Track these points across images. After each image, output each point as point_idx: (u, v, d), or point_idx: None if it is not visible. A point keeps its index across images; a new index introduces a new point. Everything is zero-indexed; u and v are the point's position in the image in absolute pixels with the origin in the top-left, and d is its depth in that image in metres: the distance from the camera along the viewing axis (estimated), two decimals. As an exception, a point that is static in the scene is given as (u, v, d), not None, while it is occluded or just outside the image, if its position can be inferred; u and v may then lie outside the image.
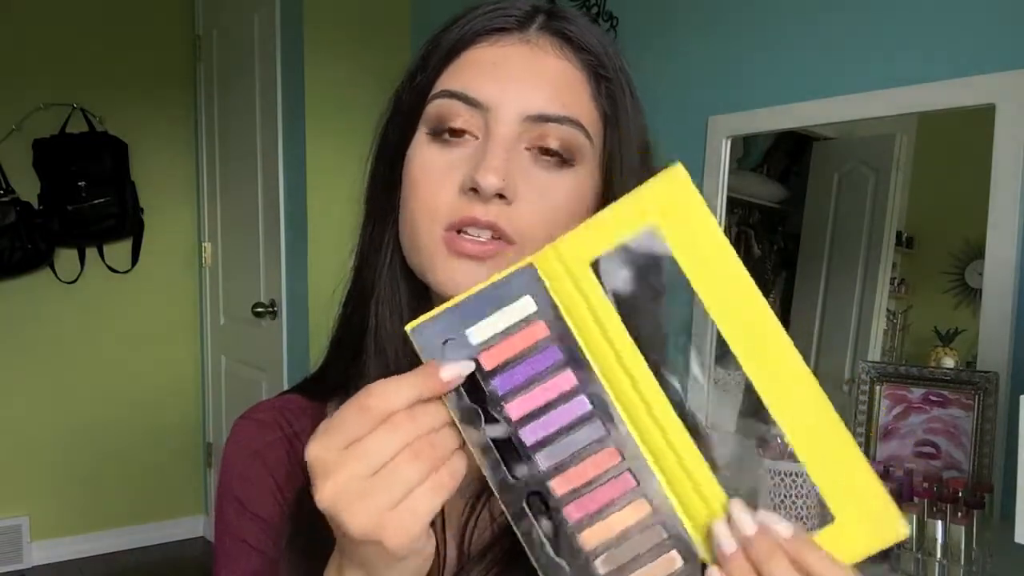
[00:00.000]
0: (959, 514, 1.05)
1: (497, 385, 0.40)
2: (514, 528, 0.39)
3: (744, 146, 1.75)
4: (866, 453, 1.33)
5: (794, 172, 1.72)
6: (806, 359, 0.38)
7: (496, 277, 0.41)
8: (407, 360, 0.54)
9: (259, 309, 2.69)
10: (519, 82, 0.51)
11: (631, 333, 0.39)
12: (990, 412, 1.20)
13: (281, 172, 2.59)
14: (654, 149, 0.58)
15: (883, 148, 1.52)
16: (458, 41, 0.53)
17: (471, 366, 0.40)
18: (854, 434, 1.36)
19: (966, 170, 1.39)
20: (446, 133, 0.52)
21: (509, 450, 0.40)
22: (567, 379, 0.40)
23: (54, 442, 3.03)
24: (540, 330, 0.40)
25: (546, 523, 0.39)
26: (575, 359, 0.40)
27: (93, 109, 2.97)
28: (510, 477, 0.39)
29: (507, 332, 0.40)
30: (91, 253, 3.05)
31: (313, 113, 2.47)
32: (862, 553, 0.37)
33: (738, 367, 0.38)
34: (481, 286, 0.41)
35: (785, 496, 1.21)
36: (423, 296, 0.56)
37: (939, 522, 1.05)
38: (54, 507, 3.03)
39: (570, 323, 0.40)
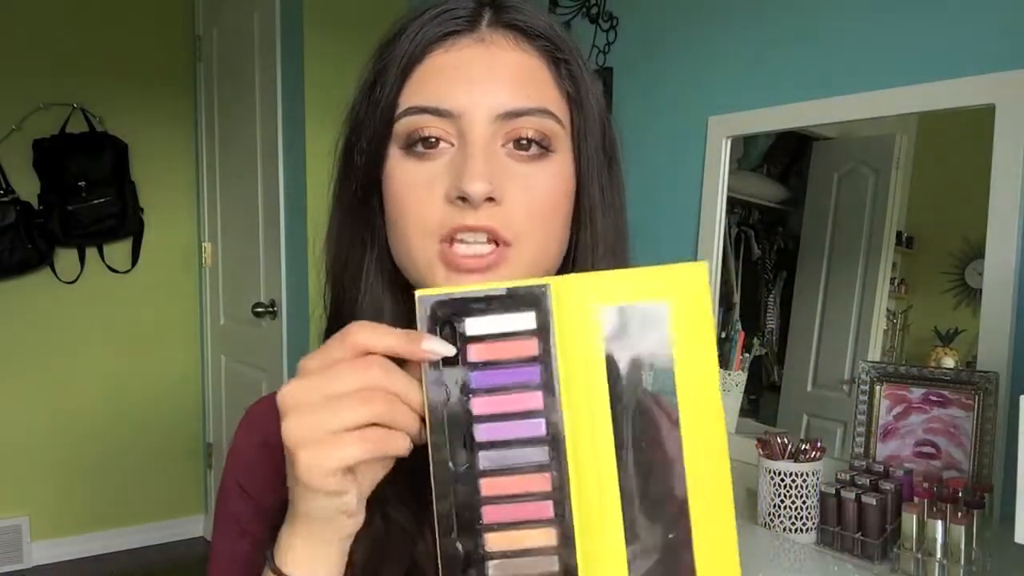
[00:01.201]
0: (959, 514, 1.05)
1: (473, 378, 0.43)
2: (434, 505, 0.42)
3: (744, 146, 1.75)
4: (866, 453, 1.33)
5: (794, 172, 1.72)
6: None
7: (514, 284, 0.43)
8: None
9: (259, 309, 2.69)
10: (482, 83, 0.51)
11: (610, 386, 0.42)
12: (990, 412, 1.20)
13: (281, 172, 2.59)
14: (613, 114, 0.59)
15: (883, 148, 1.52)
16: (412, 53, 0.53)
17: (451, 351, 0.42)
18: (854, 434, 1.36)
19: (966, 170, 1.39)
20: (419, 144, 0.52)
21: (458, 439, 0.42)
22: (535, 399, 0.43)
23: (54, 442, 3.03)
24: (531, 347, 0.42)
25: (462, 513, 0.42)
26: (549, 386, 0.42)
27: (93, 109, 2.98)
28: (450, 461, 0.42)
29: (501, 336, 0.42)
30: (91, 253, 3.05)
31: (313, 113, 2.46)
32: None
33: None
34: (497, 285, 0.43)
35: (785, 496, 1.21)
36: (407, 316, 0.57)
37: (939, 522, 1.05)
38: (54, 507, 3.03)
39: (559, 353, 0.42)
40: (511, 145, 0.52)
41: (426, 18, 0.53)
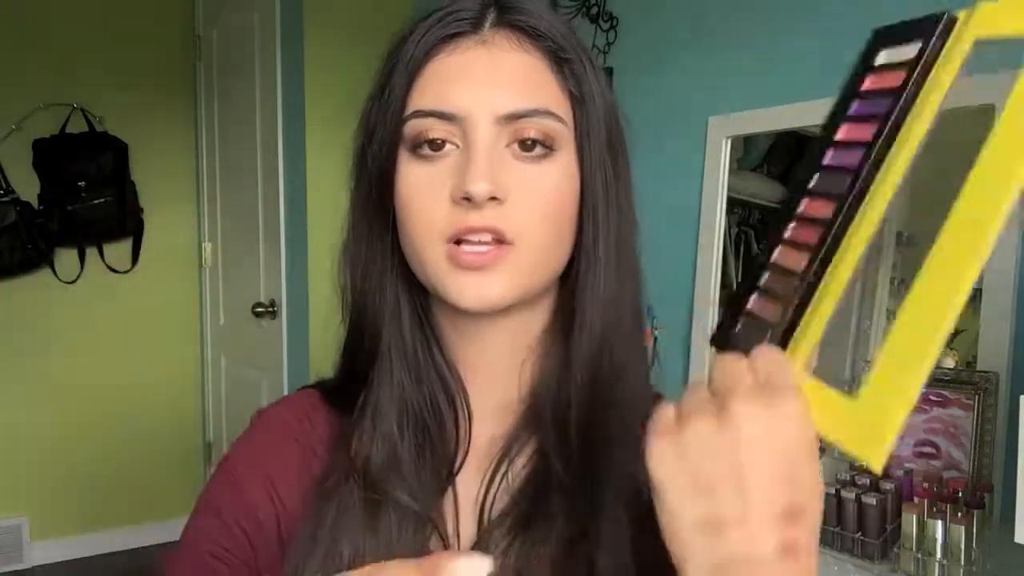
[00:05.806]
0: (959, 514, 1.05)
1: (854, 109, 0.43)
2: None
3: (744, 146, 1.75)
4: (866, 453, 1.33)
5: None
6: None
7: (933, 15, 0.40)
8: (414, 377, 0.57)
9: (259, 309, 2.69)
10: (484, 86, 0.52)
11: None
12: (990, 412, 1.20)
13: (281, 172, 2.59)
14: (621, 110, 0.59)
15: (883, 148, 1.52)
16: (418, 55, 0.54)
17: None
18: (854, 434, 1.36)
19: (966, 170, 1.39)
20: (426, 147, 0.53)
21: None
22: (869, 131, 0.41)
23: (54, 442, 3.03)
24: (897, 79, 0.41)
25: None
26: (889, 118, 0.40)
27: (93, 109, 2.97)
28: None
29: (883, 68, 0.42)
30: (91, 253, 3.05)
31: (313, 113, 2.46)
32: (830, 434, 0.38)
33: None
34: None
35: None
36: (426, 311, 0.58)
37: (939, 522, 1.05)
38: (54, 507, 3.03)
39: (914, 91, 0.40)
40: (516, 145, 0.52)
41: (432, 20, 0.54)
